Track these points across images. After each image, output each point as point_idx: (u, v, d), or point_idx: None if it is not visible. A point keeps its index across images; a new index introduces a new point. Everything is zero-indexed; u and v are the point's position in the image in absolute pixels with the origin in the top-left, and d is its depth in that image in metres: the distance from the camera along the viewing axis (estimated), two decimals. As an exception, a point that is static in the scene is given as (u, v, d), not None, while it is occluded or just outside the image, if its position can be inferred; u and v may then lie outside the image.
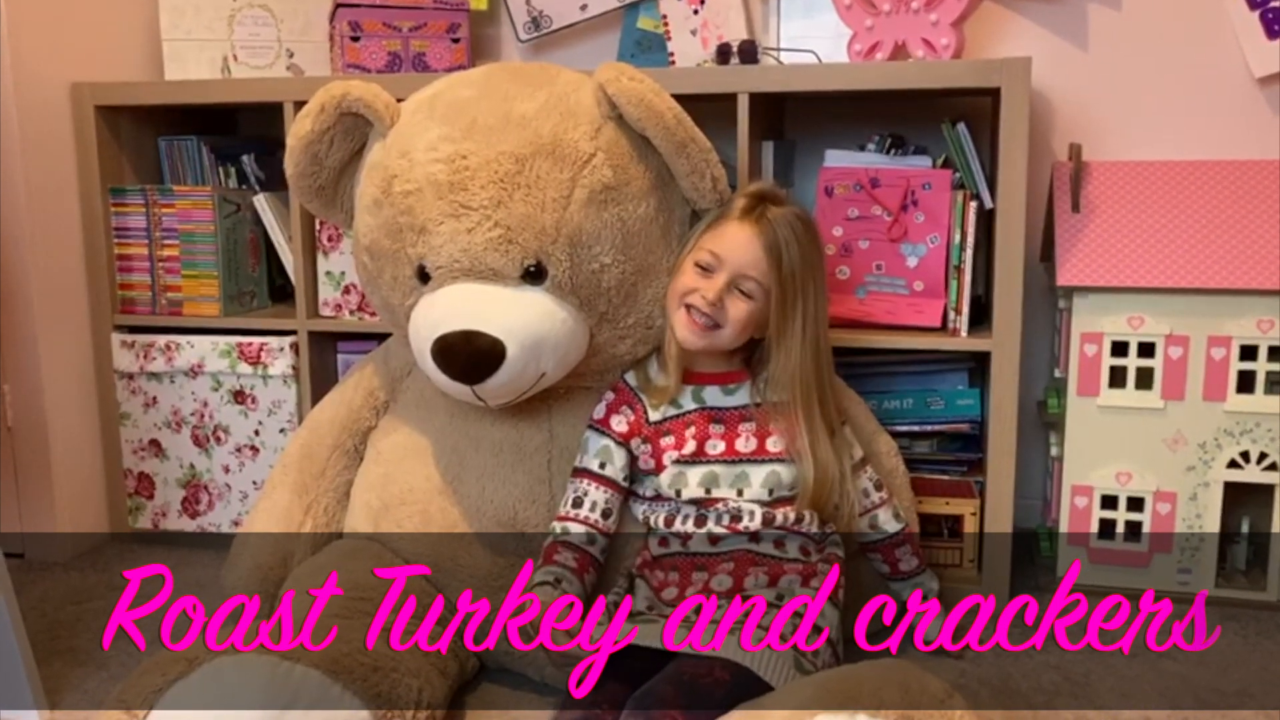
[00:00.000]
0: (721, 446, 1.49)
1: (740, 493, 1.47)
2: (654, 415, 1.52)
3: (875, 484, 1.59)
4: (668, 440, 1.50)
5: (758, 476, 1.47)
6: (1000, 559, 1.79)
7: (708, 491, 1.47)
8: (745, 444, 1.48)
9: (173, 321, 2.08)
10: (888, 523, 1.60)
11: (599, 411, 1.55)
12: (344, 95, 1.49)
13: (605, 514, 1.51)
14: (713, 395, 1.52)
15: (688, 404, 1.52)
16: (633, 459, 1.53)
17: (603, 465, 1.52)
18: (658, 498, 1.52)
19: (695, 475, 1.48)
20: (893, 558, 1.62)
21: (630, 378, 1.56)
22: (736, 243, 1.45)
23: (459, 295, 1.43)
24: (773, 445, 1.48)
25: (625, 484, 1.53)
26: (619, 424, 1.53)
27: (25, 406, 2.00)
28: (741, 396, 1.51)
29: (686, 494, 1.48)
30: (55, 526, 2.04)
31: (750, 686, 1.23)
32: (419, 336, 1.45)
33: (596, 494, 1.51)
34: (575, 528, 1.50)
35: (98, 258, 2.08)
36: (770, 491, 1.46)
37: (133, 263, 2.09)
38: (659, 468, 1.50)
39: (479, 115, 1.45)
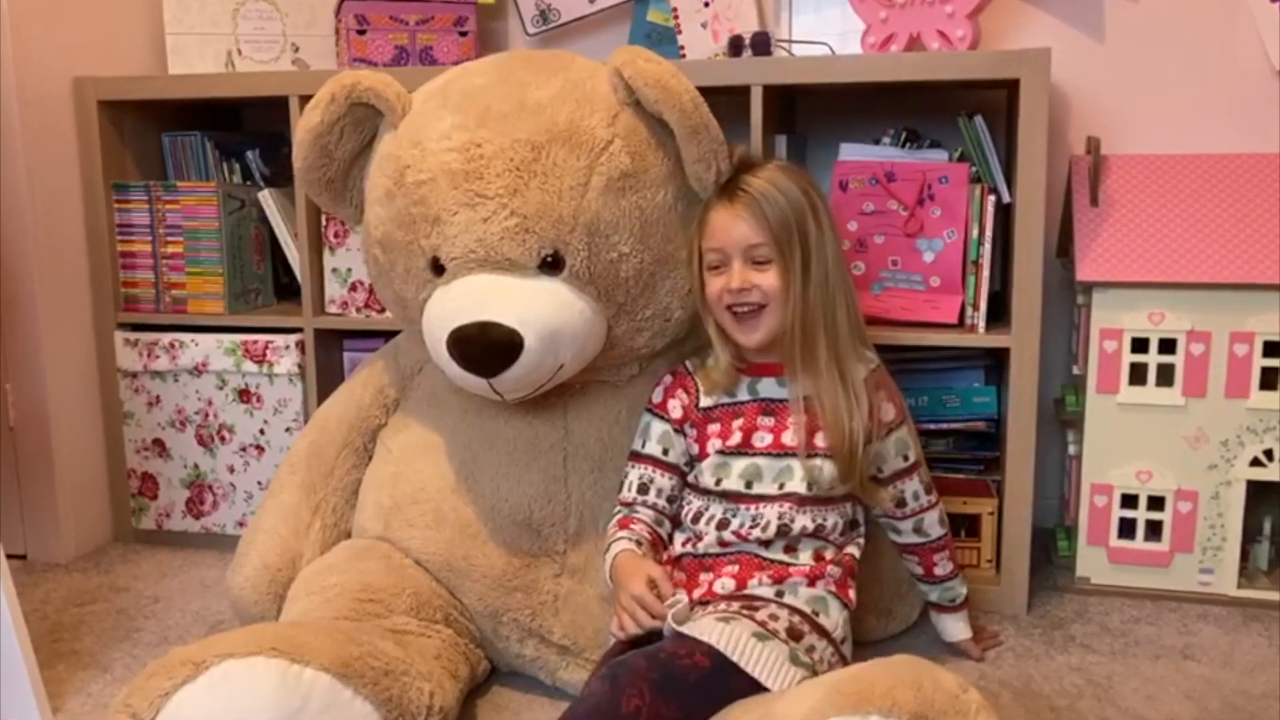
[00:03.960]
0: (769, 439, 1.45)
1: (782, 486, 1.43)
2: (705, 401, 1.49)
3: (926, 487, 1.55)
4: (714, 427, 1.47)
5: (799, 471, 1.43)
6: (1019, 559, 1.76)
7: (748, 485, 1.44)
8: (792, 437, 1.45)
9: (177, 319, 2.06)
10: (933, 527, 1.57)
11: (656, 395, 1.53)
12: (354, 85, 1.47)
13: (670, 500, 1.50)
14: (768, 387, 1.48)
15: (742, 395, 1.48)
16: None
17: (665, 451, 1.50)
18: (695, 486, 1.49)
19: (738, 466, 1.45)
20: (930, 561, 1.59)
21: (689, 363, 1.53)
22: (725, 227, 1.42)
23: (474, 286, 1.40)
24: (820, 440, 1.44)
25: (687, 469, 1.51)
26: (675, 409, 1.50)
27: (28, 405, 1.98)
28: (795, 388, 1.47)
29: (727, 484, 1.44)
30: (58, 527, 2.02)
31: (732, 678, 1.21)
32: (433, 330, 1.42)
33: (662, 480, 1.49)
34: (644, 511, 1.48)
35: (101, 255, 2.06)
36: (810, 486, 1.42)
37: (136, 260, 2.07)
38: (702, 454, 1.47)
39: (493, 103, 1.43)
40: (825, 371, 1.43)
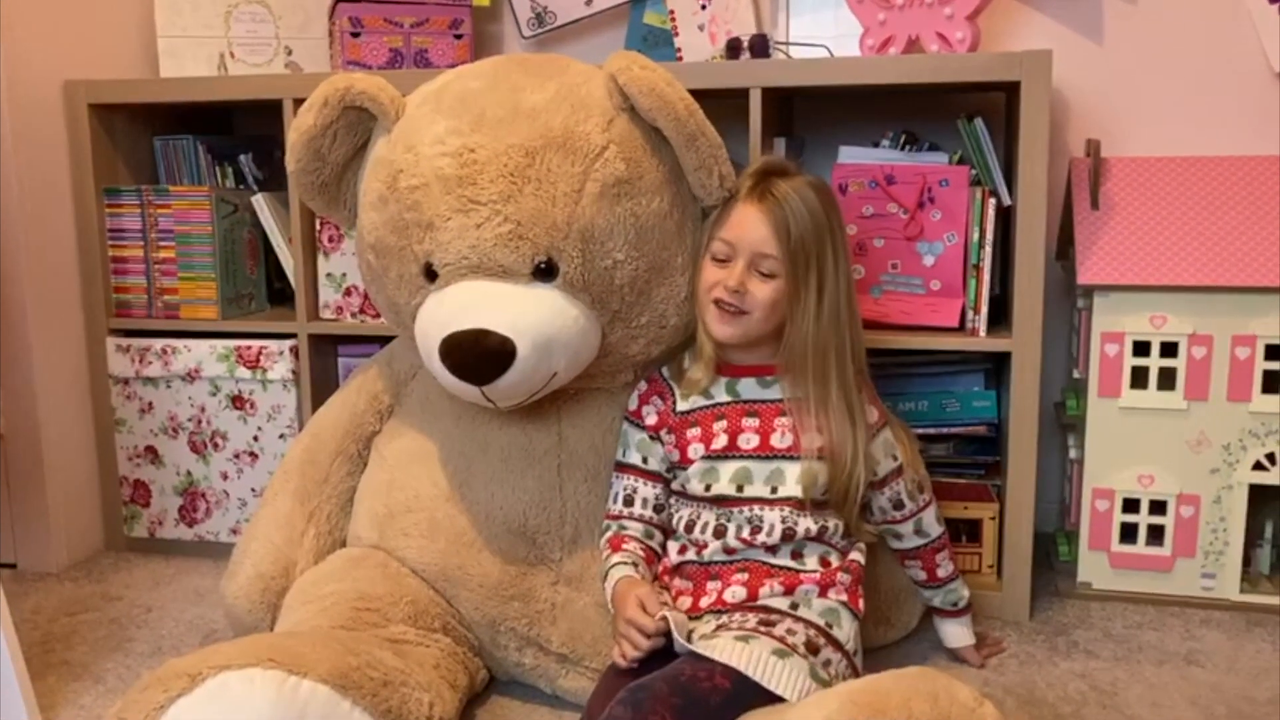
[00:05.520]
0: (756, 441, 1.44)
1: (774, 490, 1.41)
2: (682, 405, 1.48)
3: (918, 485, 1.54)
4: (693, 432, 1.46)
5: (793, 473, 1.42)
6: (1021, 564, 1.75)
7: (739, 489, 1.42)
8: (781, 439, 1.43)
9: (169, 325, 2.04)
10: (931, 525, 1.56)
11: (632, 402, 1.51)
12: (348, 88, 1.45)
13: (658, 509, 1.48)
14: (748, 388, 1.47)
15: (720, 396, 1.47)
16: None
17: (645, 460, 1.48)
18: (683, 494, 1.47)
19: (728, 471, 1.43)
20: (932, 563, 1.58)
21: (665, 369, 1.52)
22: (745, 224, 1.41)
23: (467, 293, 1.38)
24: (811, 442, 1.42)
25: (669, 476, 1.50)
26: (650, 415, 1.49)
27: (18, 412, 1.95)
28: (778, 390, 1.46)
29: (717, 489, 1.43)
30: (49, 536, 1.99)
31: (753, 698, 1.20)
32: (426, 336, 1.40)
33: (646, 490, 1.48)
34: (632, 525, 1.47)
35: (92, 260, 2.04)
36: (807, 490, 1.41)
37: (128, 265, 2.05)
38: (684, 460, 1.45)
39: (487, 107, 1.41)
40: (836, 407, 1.42)
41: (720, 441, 1.44)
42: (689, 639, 1.28)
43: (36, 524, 1.99)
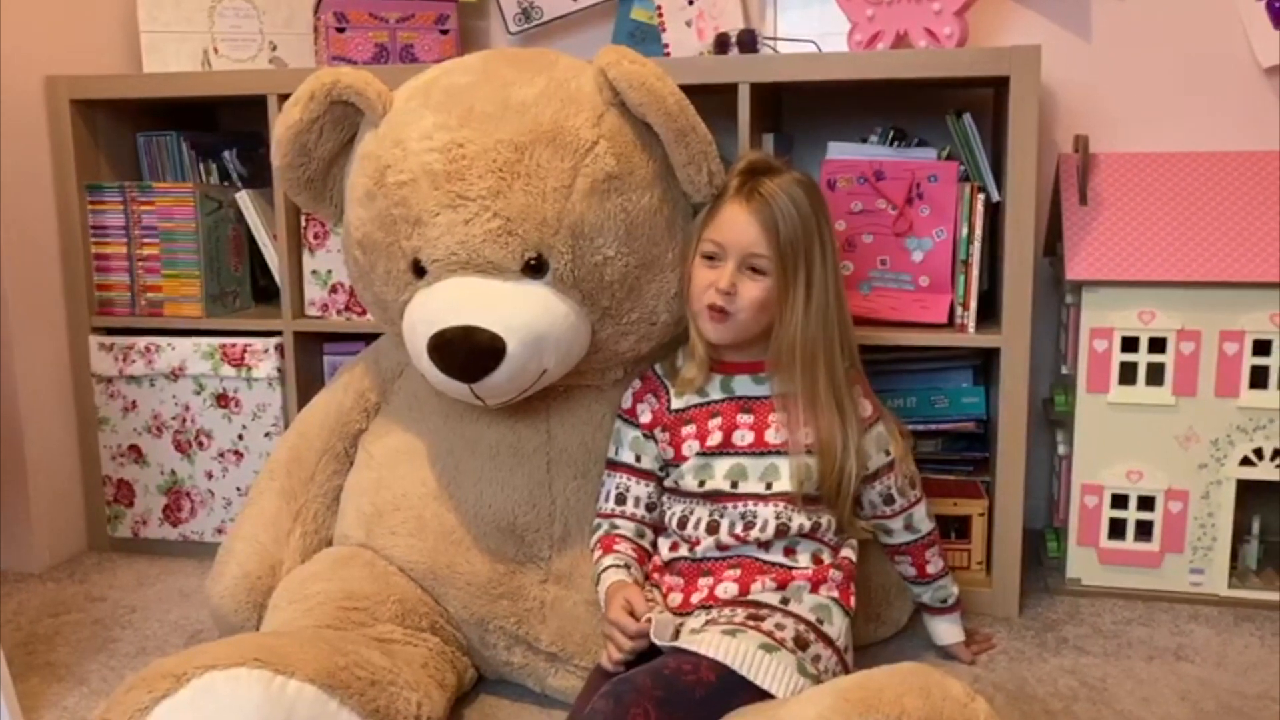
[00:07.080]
0: (750, 437, 1.43)
1: (769, 485, 1.41)
2: (676, 403, 1.47)
3: (910, 481, 1.54)
4: (689, 429, 1.45)
5: (786, 469, 1.41)
6: (1010, 560, 1.75)
7: (734, 485, 1.42)
8: (775, 435, 1.43)
9: (153, 323, 2.02)
10: (922, 521, 1.56)
11: (626, 401, 1.51)
12: (334, 82, 1.44)
13: (650, 508, 1.48)
14: (743, 385, 1.46)
15: (715, 393, 1.46)
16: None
17: (638, 458, 1.48)
18: (676, 490, 1.46)
19: (722, 467, 1.43)
20: (922, 559, 1.57)
21: (658, 366, 1.51)
22: (735, 225, 1.40)
23: (456, 289, 1.37)
24: (804, 437, 1.42)
25: (662, 474, 1.49)
26: (644, 414, 1.48)
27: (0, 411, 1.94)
28: (772, 385, 1.46)
29: (711, 484, 1.42)
30: (31, 536, 1.98)
31: (739, 692, 1.20)
32: (414, 333, 1.39)
33: (639, 489, 1.48)
34: (624, 524, 1.47)
35: (74, 257, 2.02)
36: (800, 484, 1.40)
37: (111, 262, 2.03)
38: (678, 457, 1.45)
39: (476, 102, 1.40)
40: (825, 404, 1.41)
41: (715, 439, 1.43)
42: (676, 636, 1.27)
43: (19, 524, 1.97)
